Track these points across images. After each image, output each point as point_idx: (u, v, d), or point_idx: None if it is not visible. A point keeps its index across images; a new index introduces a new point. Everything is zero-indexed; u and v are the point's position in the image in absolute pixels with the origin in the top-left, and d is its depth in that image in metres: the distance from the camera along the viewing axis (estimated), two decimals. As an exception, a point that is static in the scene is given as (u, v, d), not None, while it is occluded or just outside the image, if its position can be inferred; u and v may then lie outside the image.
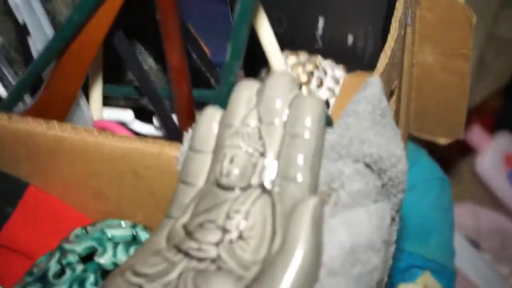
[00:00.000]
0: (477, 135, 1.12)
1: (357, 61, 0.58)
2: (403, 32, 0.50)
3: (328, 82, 0.55)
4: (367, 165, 0.38)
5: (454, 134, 0.67)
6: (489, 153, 1.11)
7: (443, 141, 0.69)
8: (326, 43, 0.60)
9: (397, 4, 0.50)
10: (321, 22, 0.59)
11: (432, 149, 0.80)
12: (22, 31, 0.45)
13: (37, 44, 0.44)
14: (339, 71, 0.56)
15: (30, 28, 0.44)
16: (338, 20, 0.60)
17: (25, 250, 0.44)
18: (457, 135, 0.68)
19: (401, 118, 0.58)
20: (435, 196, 0.79)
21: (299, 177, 0.35)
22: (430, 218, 0.78)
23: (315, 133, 0.36)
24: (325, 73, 0.55)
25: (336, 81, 0.55)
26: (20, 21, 0.44)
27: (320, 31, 0.59)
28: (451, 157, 1.04)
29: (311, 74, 0.55)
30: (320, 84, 0.55)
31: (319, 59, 0.57)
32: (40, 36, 0.44)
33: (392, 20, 0.49)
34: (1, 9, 0.50)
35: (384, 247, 0.36)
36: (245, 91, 0.38)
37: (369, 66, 0.52)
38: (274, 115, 0.37)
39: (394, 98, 0.50)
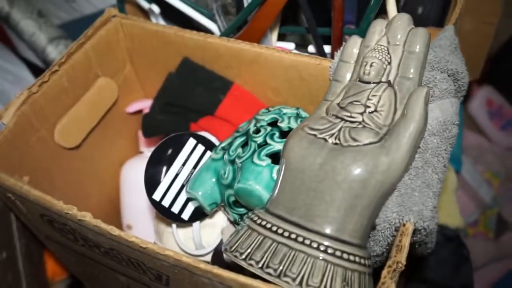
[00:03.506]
0: (472, 87, 1.13)
1: (423, 24, 0.57)
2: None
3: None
4: (449, 75, 0.40)
5: (473, 75, 0.64)
6: (477, 98, 1.13)
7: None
8: (405, 11, 0.59)
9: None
10: (403, -1, 0.59)
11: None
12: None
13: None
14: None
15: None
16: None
17: (231, 120, 0.48)
18: (475, 76, 0.65)
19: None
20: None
21: (412, 77, 0.37)
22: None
23: (423, 52, 0.38)
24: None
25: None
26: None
27: (401, 3, 0.59)
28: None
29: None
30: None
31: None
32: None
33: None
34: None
35: (457, 125, 0.38)
36: (378, 26, 0.40)
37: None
38: (398, 39, 0.39)
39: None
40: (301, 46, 0.51)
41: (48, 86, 0.45)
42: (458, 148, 0.88)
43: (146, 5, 0.53)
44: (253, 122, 0.43)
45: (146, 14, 0.56)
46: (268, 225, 0.34)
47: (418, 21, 0.41)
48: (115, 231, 0.33)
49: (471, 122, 1.14)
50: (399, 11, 0.49)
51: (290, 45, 0.50)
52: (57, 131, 0.47)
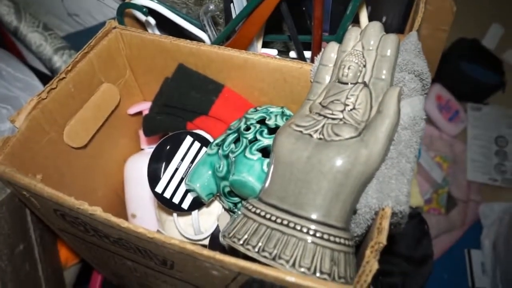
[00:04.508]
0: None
1: (387, 31, 0.56)
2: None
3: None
4: (416, 75, 0.38)
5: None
6: (428, 94, 1.14)
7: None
8: (371, 20, 0.58)
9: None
10: (369, 9, 0.58)
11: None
12: (227, 1, 0.45)
13: (236, 9, 0.44)
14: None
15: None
16: (378, 7, 0.57)
17: (224, 119, 0.46)
18: (431, 76, 0.65)
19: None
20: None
21: (385, 78, 0.36)
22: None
23: (394, 55, 0.37)
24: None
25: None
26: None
27: (368, 13, 0.58)
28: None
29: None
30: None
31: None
32: (238, 4, 0.44)
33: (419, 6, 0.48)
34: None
35: (425, 119, 0.37)
36: (354, 33, 0.39)
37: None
38: (371, 44, 0.38)
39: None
40: (283, 52, 0.50)
41: (56, 92, 0.42)
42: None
43: (143, 17, 0.51)
44: (243, 120, 0.42)
45: (143, 25, 0.54)
46: (262, 213, 0.33)
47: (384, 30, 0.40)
48: (124, 223, 0.31)
49: (424, 114, 1.16)
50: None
51: (273, 51, 0.48)
52: (66, 133, 0.44)
